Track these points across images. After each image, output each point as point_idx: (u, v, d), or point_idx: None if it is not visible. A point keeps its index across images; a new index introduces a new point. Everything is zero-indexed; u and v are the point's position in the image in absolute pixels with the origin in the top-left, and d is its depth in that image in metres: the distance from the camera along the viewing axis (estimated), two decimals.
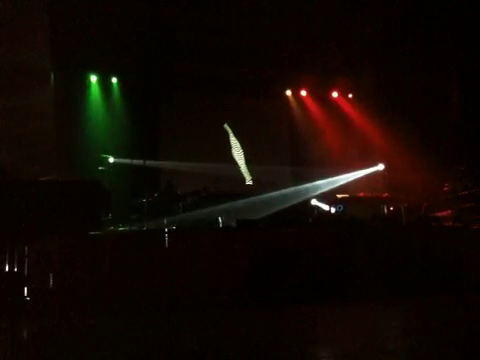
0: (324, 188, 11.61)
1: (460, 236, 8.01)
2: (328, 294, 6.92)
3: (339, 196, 11.15)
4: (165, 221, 9.13)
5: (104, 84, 12.42)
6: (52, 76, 10.40)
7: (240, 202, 10.04)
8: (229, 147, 13.55)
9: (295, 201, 11.07)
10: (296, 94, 14.34)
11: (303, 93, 14.30)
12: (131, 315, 6.48)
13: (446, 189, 10.15)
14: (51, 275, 6.58)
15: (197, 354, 4.25)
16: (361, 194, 11.66)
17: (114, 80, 12.54)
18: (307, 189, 11.68)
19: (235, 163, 13.48)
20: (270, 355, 4.14)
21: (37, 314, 6.25)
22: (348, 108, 14.25)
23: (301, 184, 11.94)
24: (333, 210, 10.36)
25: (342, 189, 11.76)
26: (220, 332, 5.28)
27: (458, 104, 10.02)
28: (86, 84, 12.14)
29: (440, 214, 9.62)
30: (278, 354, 4.14)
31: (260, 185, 12.70)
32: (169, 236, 7.25)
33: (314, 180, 12.01)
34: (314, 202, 11.08)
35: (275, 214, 9.19)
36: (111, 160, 10.60)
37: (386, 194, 11.56)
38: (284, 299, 6.77)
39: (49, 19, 9.90)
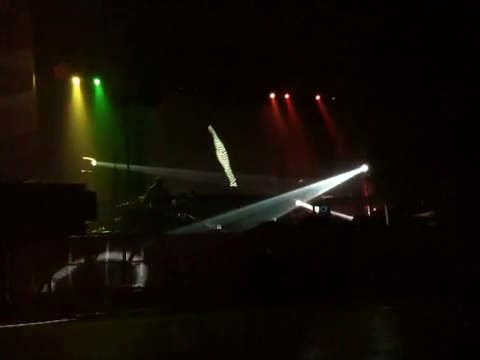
0: (310, 193, 11.54)
1: (442, 236, 8.13)
2: (325, 295, 6.95)
3: (323, 197, 11.24)
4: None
5: (87, 87, 12.31)
6: (35, 78, 10.29)
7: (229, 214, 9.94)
8: (213, 150, 13.51)
9: (283, 207, 10.95)
10: (280, 97, 14.39)
11: (286, 96, 14.37)
12: (129, 316, 6.46)
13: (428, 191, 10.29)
14: (35, 279, 6.52)
15: (197, 354, 4.25)
16: (345, 195, 11.78)
17: (97, 82, 12.45)
18: (293, 195, 11.56)
19: (220, 166, 13.43)
20: (268, 355, 4.16)
21: (21, 318, 6.17)
22: (331, 111, 14.34)
23: (287, 190, 11.78)
24: (317, 210, 10.42)
25: (328, 192, 11.78)
26: (219, 333, 5.29)
27: (445, 108, 10.17)
28: (69, 86, 12.02)
29: (422, 215, 9.74)
30: (276, 354, 4.17)
31: (247, 190, 12.55)
32: (168, 239, 7.27)
33: (300, 186, 11.94)
34: (298, 203, 11.11)
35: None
36: (94, 163, 10.51)
37: (369, 195, 11.71)
38: (282, 300, 6.79)
39: (32, 21, 9.81)
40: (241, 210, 10.17)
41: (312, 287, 7.08)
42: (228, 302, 6.79)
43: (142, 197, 10.22)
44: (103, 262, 6.86)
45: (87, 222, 7.84)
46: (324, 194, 11.52)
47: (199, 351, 4.41)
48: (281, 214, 10.58)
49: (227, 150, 13.50)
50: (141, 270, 6.99)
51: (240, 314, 6.42)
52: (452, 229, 8.19)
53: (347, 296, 7.02)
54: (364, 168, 12.07)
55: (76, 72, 12.02)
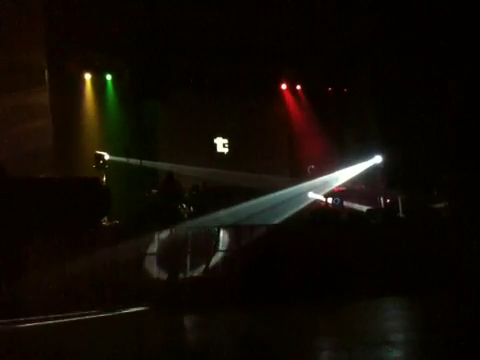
0: (324, 185, 11.40)
1: (457, 228, 8.05)
2: (327, 290, 6.93)
3: (336, 189, 11.17)
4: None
5: (99, 82, 12.37)
6: (47, 74, 10.36)
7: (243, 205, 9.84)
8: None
9: (296, 201, 10.81)
10: (291, 89, 14.31)
11: (298, 87, 14.30)
12: (131, 314, 6.48)
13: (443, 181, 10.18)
14: (50, 273, 6.58)
15: (197, 354, 4.27)
16: (357, 187, 11.70)
17: (109, 77, 12.51)
18: (306, 187, 11.43)
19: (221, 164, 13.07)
20: (273, 347, 4.18)
21: (36, 312, 6.23)
22: (343, 102, 14.24)
23: (300, 182, 11.64)
24: (330, 201, 10.37)
25: (342, 183, 11.65)
26: (219, 332, 5.30)
27: (456, 100, 10.07)
28: (81, 82, 12.08)
29: (437, 205, 9.66)
30: (280, 347, 4.18)
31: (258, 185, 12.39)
32: (167, 235, 7.28)
33: (311, 174, 11.86)
34: (311, 195, 11.04)
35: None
36: (107, 157, 10.55)
37: (383, 186, 11.61)
38: (284, 296, 6.77)
39: (44, 18, 9.87)
40: (253, 203, 10.11)
41: (316, 282, 7.04)
42: (232, 298, 6.80)
43: (155, 191, 10.25)
44: (115, 256, 6.90)
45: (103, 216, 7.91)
46: (338, 186, 11.41)
47: (199, 350, 4.44)
48: (296, 208, 10.47)
49: (237, 145, 13.34)
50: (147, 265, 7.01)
51: (242, 310, 6.42)
52: (465, 220, 8.11)
53: (349, 291, 6.98)
54: (378, 159, 11.93)
55: (88, 67, 12.09)
